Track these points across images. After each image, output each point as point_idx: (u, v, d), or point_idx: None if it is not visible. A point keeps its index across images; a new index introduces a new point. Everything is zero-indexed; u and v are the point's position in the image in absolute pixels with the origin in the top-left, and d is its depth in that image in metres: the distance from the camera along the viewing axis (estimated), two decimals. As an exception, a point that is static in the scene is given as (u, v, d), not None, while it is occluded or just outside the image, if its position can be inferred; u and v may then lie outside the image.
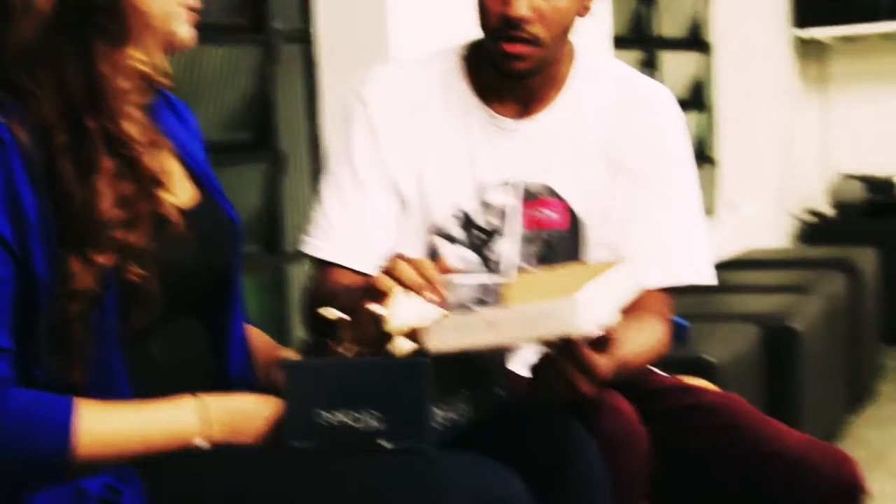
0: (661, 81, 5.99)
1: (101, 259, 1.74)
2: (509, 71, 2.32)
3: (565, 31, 2.33)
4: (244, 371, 2.01)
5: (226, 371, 1.98)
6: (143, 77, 1.83)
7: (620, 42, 5.60)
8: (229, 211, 2.02)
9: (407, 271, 1.95)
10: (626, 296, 1.97)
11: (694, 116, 6.58)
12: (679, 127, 2.44)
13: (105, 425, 1.72)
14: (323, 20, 3.77)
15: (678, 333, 2.34)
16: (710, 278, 2.42)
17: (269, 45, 3.69)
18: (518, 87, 2.38)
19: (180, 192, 1.92)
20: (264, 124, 3.69)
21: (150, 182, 1.81)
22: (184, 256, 1.84)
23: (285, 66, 3.75)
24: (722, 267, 4.90)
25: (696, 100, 6.59)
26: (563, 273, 2.12)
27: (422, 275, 1.97)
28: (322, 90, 3.78)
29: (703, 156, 6.55)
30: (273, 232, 3.73)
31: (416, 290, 1.91)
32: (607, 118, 2.40)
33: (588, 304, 1.74)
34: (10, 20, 1.76)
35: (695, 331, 3.60)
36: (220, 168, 3.38)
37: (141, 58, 1.82)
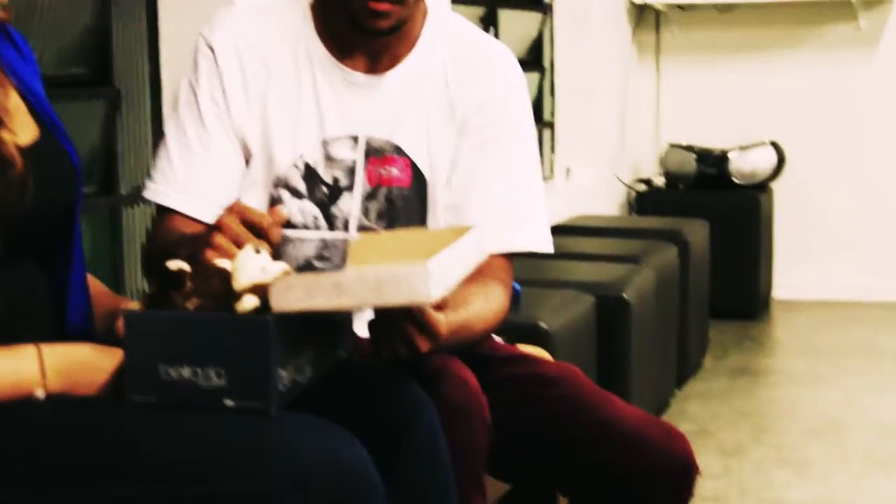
0: (500, 39, 6.09)
1: None
2: (372, 28, 2.28)
3: None
4: (84, 321, 1.97)
5: (64, 319, 1.92)
6: None
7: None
8: (70, 151, 1.97)
9: (235, 225, 1.97)
10: (473, 264, 1.96)
11: (532, 77, 6.60)
12: (521, 91, 2.45)
13: None
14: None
15: (511, 298, 2.35)
16: (548, 246, 2.43)
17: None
18: (370, 43, 2.35)
19: (21, 129, 1.86)
20: (102, 60, 3.59)
21: None
22: (23, 197, 1.78)
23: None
24: (554, 232, 4.94)
25: (534, 60, 6.61)
26: (408, 236, 2.10)
27: (255, 223, 1.96)
28: (162, 26, 3.69)
29: (540, 118, 6.58)
30: (110, 172, 3.64)
31: (245, 242, 1.92)
32: (453, 78, 2.39)
33: (438, 273, 1.73)
34: None
35: (528, 297, 3.61)
36: (56, 104, 3.33)
37: None
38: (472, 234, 1.96)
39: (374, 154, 2.36)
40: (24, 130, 1.88)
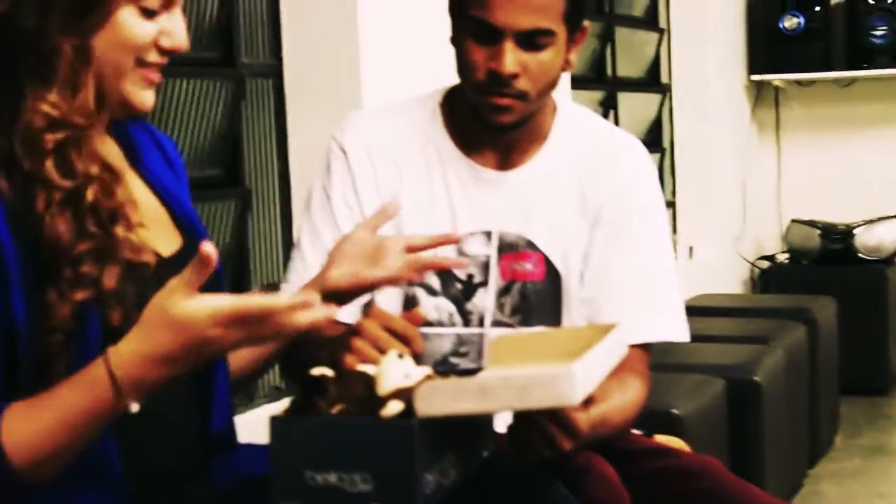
0: (619, 122, 6.11)
1: (75, 294, 1.72)
2: (494, 123, 2.31)
3: (551, 85, 2.33)
4: (226, 424, 1.98)
5: (208, 423, 1.94)
6: (55, 122, 1.76)
7: (580, 82, 5.62)
8: None
9: (374, 329, 2.00)
10: (616, 361, 1.96)
11: (651, 158, 6.58)
12: (652, 180, 2.46)
13: (24, 427, 1.66)
14: (292, 55, 3.76)
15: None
16: (684, 335, 2.43)
17: (238, 80, 3.66)
18: (498, 139, 2.38)
19: (163, 237, 1.89)
20: (233, 160, 3.66)
21: (105, 216, 1.77)
22: None
23: (255, 101, 3.73)
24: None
25: (653, 141, 6.61)
26: (548, 335, 2.11)
27: (397, 331, 1.98)
28: (291, 126, 3.76)
29: (660, 198, 6.55)
30: (241, 269, 3.69)
31: (385, 347, 1.94)
32: (584, 172, 2.41)
33: (583, 375, 1.73)
34: None
35: (658, 382, 3.58)
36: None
37: (55, 102, 1.75)
38: (615, 332, 1.96)
39: (508, 249, 2.38)
40: (169, 240, 1.91)
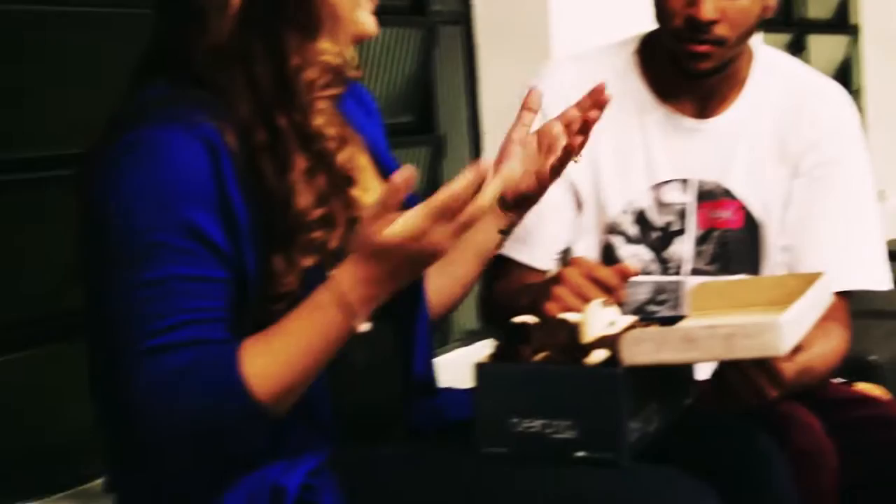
0: (809, 64, 5.99)
1: (304, 260, 1.74)
2: (693, 70, 2.29)
3: (749, 31, 2.31)
4: (427, 369, 2.01)
5: (411, 370, 1.97)
6: (334, 70, 1.79)
7: (767, 24, 5.51)
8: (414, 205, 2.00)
9: (577, 278, 1.99)
10: (821, 311, 1.94)
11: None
12: (855, 128, 2.42)
13: (264, 362, 1.68)
14: (482, 1, 3.76)
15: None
16: (888, 283, 2.39)
17: (429, 28, 3.67)
18: (696, 86, 2.36)
19: (371, 189, 1.89)
20: (425, 107, 3.68)
21: (343, 179, 1.80)
22: None
23: (446, 48, 3.74)
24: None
25: (843, 83, 6.47)
26: (748, 284, 2.09)
27: (602, 280, 1.98)
28: (482, 74, 3.77)
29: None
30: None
31: (588, 296, 1.94)
32: (784, 119, 2.38)
33: (790, 327, 1.72)
34: (204, 20, 1.74)
35: (856, 329, 3.53)
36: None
37: (332, 49, 1.78)
38: (821, 282, 1.94)
39: (706, 198, 2.37)
40: (373, 190, 1.92)
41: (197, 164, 1.68)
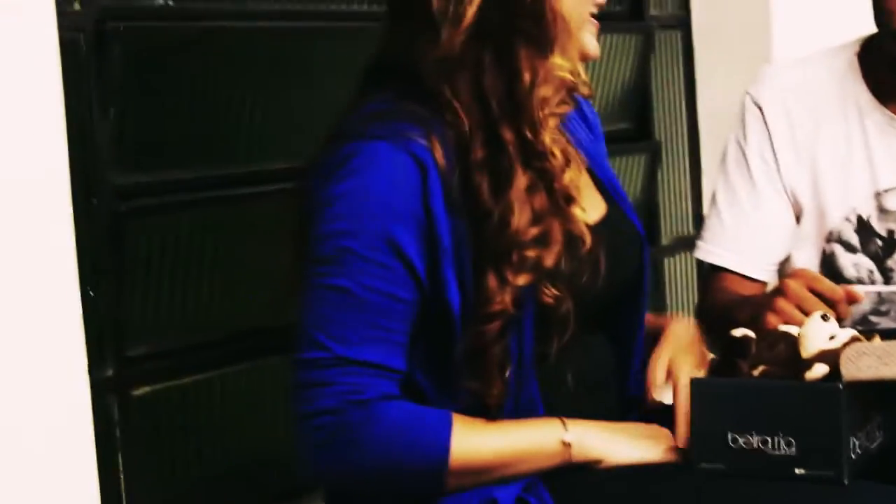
0: None
1: (518, 279, 1.72)
2: None
3: None
4: (638, 388, 1.97)
5: (625, 388, 1.95)
6: (567, 86, 1.78)
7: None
8: (635, 222, 1.98)
9: (800, 290, 1.95)
10: None
11: None
12: None
13: (475, 442, 1.70)
14: (701, 6, 3.74)
15: None
16: None
17: (647, 33, 3.66)
18: (920, 89, 2.30)
19: (590, 206, 1.87)
20: (642, 114, 3.67)
21: (564, 198, 1.78)
22: (594, 275, 1.79)
23: (663, 54, 3.73)
24: None
25: None
26: None
27: (824, 294, 1.95)
28: (699, 80, 3.74)
29: None
30: (650, 224, 3.71)
31: (810, 309, 1.90)
32: None
33: None
34: (437, 31, 1.73)
35: None
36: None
37: (564, 65, 1.76)
38: None
39: (931, 204, 2.32)
40: (594, 207, 1.89)
41: (406, 181, 1.70)
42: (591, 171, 1.95)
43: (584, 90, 1.83)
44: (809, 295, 1.97)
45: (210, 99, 2.48)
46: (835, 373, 1.72)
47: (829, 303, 1.96)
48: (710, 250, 2.38)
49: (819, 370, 1.73)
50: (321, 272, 1.70)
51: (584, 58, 1.84)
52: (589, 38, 1.83)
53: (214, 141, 2.50)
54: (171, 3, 2.42)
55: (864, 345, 1.72)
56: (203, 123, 2.47)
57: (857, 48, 2.39)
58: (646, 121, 3.67)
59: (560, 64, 1.76)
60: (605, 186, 1.96)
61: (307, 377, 1.70)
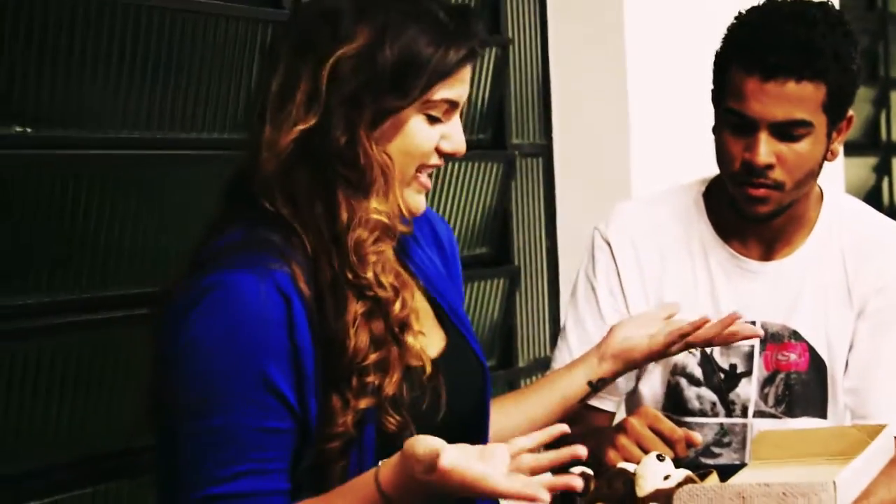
0: (894, 186, 5.96)
1: (359, 403, 1.77)
2: (751, 214, 2.32)
3: (809, 175, 2.32)
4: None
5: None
6: (383, 228, 1.82)
7: (854, 148, 5.54)
8: (479, 353, 2.01)
9: (641, 428, 2.03)
10: (882, 465, 1.95)
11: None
12: None
13: None
14: (563, 135, 3.82)
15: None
16: None
17: (509, 160, 3.73)
18: (761, 229, 2.38)
19: (430, 335, 1.92)
20: (502, 239, 3.73)
21: (399, 326, 1.83)
22: (436, 404, 1.85)
23: (525, 180, 3.80)
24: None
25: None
26: (813, 434, 2.10)
27: (663, 434, 2.01)
28: (560, 205, 3.82)
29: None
30: (508, 347, 3.76)
31: (649, 447, 1.98)
32: (850, 263, 2.40)
33: (846, 486, 1.73)
34: (258, 154, 1.80)
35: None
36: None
37: (382, 209, 1.81)
38: (883, 436, 1.96)
39: (772, 340, 2.39)
40: (434, 337, 1.94)
41: (271, 314, 1.73)
42: (433, 301, 1.99)
43: (404, 229, 1.87)
44: (649, 433, 2.03)
45: (67, 225, 2.49)
46: (668, 511, 1.77)
47: (669, 442, 2.02)
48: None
49: (652, 509, 1.79)
50: (201, 416, 1.72)
51: (408, 213, 1.89)
52: (412, 195, 1.87)
53: (70, 266, 2.51)
54: (28, 130, 2.44)
55: (696, 486, 1.78)
56: (59, 248, 2.48)
57: (702, 188, 2.47)
58: (506, 246, 3.73)
59: (376, 208, 1.81)
60: (448, 314, 2.00)
61: None
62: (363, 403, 1.78)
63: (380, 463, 1.70)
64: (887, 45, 6.18)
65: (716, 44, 2.35)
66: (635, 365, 2.24)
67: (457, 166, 3.57)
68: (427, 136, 1.85)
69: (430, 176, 1.89)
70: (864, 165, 5.97)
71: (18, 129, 2.42)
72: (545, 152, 3.83)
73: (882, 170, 6.12)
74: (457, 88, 1.85)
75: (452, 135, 1.87)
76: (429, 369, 1.85)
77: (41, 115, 2.45)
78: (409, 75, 1.81)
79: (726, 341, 2.26)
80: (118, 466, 2.56)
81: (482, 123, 3.69)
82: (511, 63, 3.76)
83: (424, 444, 1.65)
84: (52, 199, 2.47)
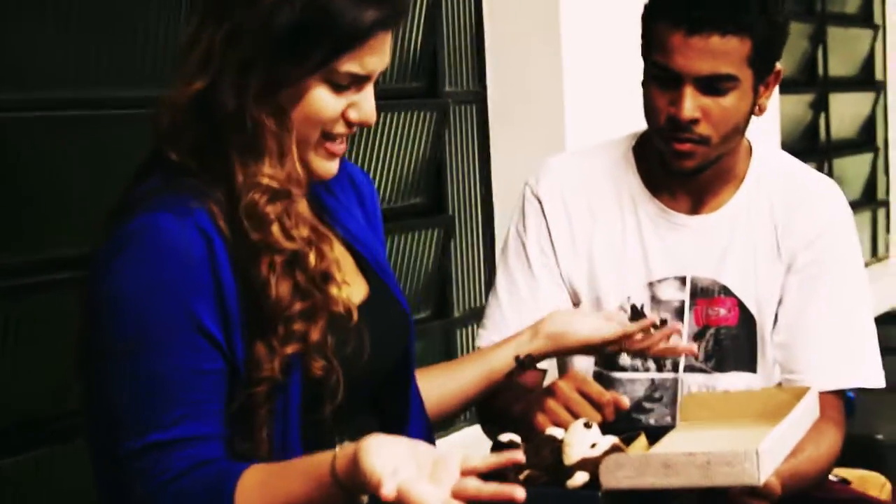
0: (831, 122, 6.02)
1: (284, 349, 1.78)
2: (677, 168, 2.32)
3: (735, 129, 2.32)
4: None
5: None
6: (275, 191, 1.80)
7: (790, 85, 5.55)
8: (402, 301, 2.04)
9: (569, 391, 2.03)
10: (806, 428, 1.96)
11: (865, 157, 6.50)
12: (848, 227, 2.43)
13: (255, 497, 1.71)
14: (496, 82, 3.81)
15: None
16: (881, 381, 2.40)
17: (442, 109, 3.72)
18: (690, 183, 2.39)
19: (353, 284, 1.93)
20: (437, 189, 3.72)
21: (319, 276, 1.83)
22: (359, 351, 1.86)
23: (458, 129, 3.79)
24: (888, 320, 4.75)
25: (866, 140, 6.50)
26: (740, 397, 2.11)
27: (591, 396, 2.02)
28: (494, 153, 3.81)
29: (874, 198, 6.47)
30: (443, 297, 3.76)
31: (578, 410, 2.00)
32: (780, 217, 2.40)
33: (771, 454, 1.74)
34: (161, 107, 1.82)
35: (860, 405, 3.55)
36: (394, 234, 3.46)
37: (275, 174, 1.80)
38: (807, 399, 1.97)
39: (701, 294, 2.39)
40: (356, 285, 1.95)
41: (194, 252, 1.74)
42: (353, 250, 2.00)
43: (296, 190, 1.84)
44: (578, 397, 2.04)
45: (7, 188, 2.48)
46: (595, 480, 1.78)
47: (597, 405, 2.03)
48: (489, 338, 2.43)
49: (580, 478, 1.80)
50: (123, 358, 1.72)
51: (316, 178, 1.89)
52: (319, 161, 1.86)
53: (10, 229, 2.49)
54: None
55: (621, 456, 1.79)
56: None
57: (632, 142, 2.47)
58: (440, 195, 3.72)
59: (269, 173, 1.80)
60: (370, 263, 2.00)
61: (124, 469, 1.73)
62: (289, 349, 1.79)
63: (337, 449, 1.68)
64: (822, -21, 6.20)
65: (650, -10, 2.34)
66: (567, 351, 2.25)
67: (390, 115, 3.55)
68: (330, 105, 1.83)
69: (342, 141, 1.87)
70: (800, 102, 5.98)
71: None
72: (479, 100, 3.82)
73: (818, 106, 6.13)
74: (367, 60, 1.82)
75: (361, 104, 1.85)
76: (355, 317, 1.86)
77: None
78: (309, 42, 1.78)
79: (662, 354, 2.27)
80: (53, 431, 2.55)
81: (415, 71, 3.67)
82: (443, 9, 3.73)
83: (372, 462, 1.61)
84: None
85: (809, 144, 6.08)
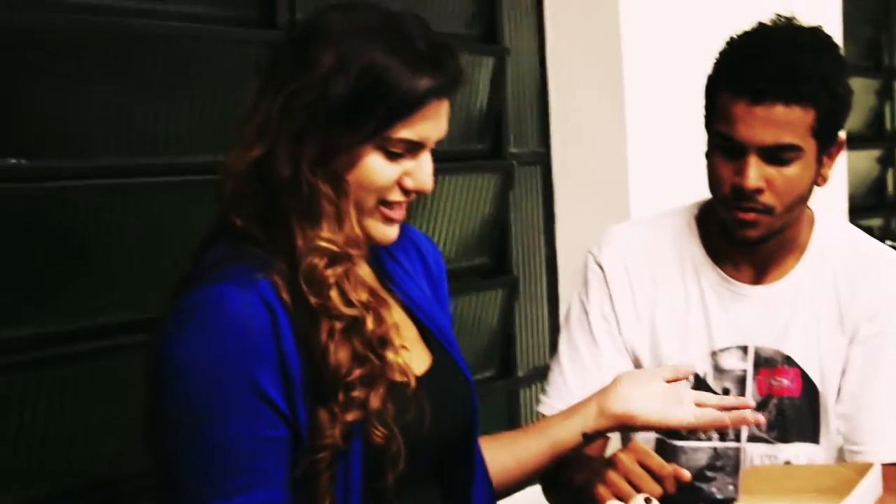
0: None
1: (345, 415, 1.79)
2: (741, 238, 2.33)
3: (799, 199, 2.33)
4: None
5: None
6: (334, 255, 1.82)
7: (857, 141, 5.52)
8: (464, 370, 2.04)
9: (630, 464, 2.04)
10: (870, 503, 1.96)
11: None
12: None
13: None
14: (560, 143, 3.83)
15: None
16: None
17: (507, 170, 3.74)
18: (753, 252, 2.39)
19: (415, 353, 1.94)
20: (501, 249, 3.74)
21: (377, 341, 1.84)
22: (420, 420, 1.86)
23: (523, 189, 3.81)
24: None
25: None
26: (803, 471, 2.11)
27: (653, 469, 2.03)
28: (559, 213, 3.82)
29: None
30: (507, 356, 3.77)
31: (637, 482, 2.00)
32: (843, 287, 2.40)
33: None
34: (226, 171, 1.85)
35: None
36: (458, 294, 3.48)
37: (335, 238, 1.81)
38: (871, 476, 1.96)
39: (764, 364, 2.39)
40: (419, 357, 1.96)
41: (257, 322, 1.75)
42: (414, 317, 2.01)
43: (355, 253, 1.85)
44: (639, 470, 2.04)
45: (60, 255, 2.50)
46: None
47: (657, 478, 2.03)
48: (552, 405, 2.44)
49: (640, 549, 1.80)
50: (188, 428, 1.75)
51: (373, 241, 1.89)
52: (376, 226, 1.87)
53: (61, 297, 2.51)
54: (23, 161, 2.44)
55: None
56: (53, 279, 2.49)
57: (695, 211, 2.48)
58: (504, 255, 3.74)
59: (328, 236, 1.81)
60: (433, 332, 2.01)
61: None
62: (350, 416, 1.80)
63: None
64: (891, 34, 6.17)
65: (712, 51, 2.35)
66: (632, 430, 2.24)
67: (455, 176, 3.57)
68: (384, 172, 1.84)
69: (400, 208, 1.87)
70: (867, 157, 5.96)
71: (13, 161, 2.42)
72: (543, 161, 3.84)
73: (886, 161, 6.10)
74: (421, 128, 1.83)
75: (416, 172, 1.86)
76: (413, 385, 1.87)
77: (33, 146, 2.46)
78: (363, 110, 1.80)
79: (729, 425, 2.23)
80: (112, 495, 2.58)
81: (480, 133, 3.70)
82: (508, 72, 3.75)
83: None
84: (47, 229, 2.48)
85: (877, 199, 6.05)
